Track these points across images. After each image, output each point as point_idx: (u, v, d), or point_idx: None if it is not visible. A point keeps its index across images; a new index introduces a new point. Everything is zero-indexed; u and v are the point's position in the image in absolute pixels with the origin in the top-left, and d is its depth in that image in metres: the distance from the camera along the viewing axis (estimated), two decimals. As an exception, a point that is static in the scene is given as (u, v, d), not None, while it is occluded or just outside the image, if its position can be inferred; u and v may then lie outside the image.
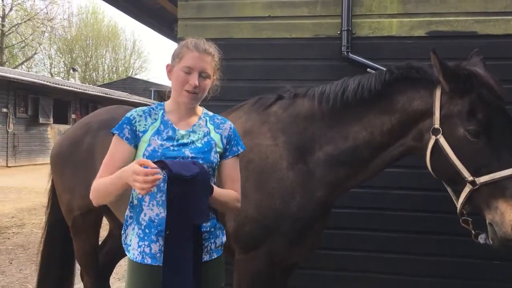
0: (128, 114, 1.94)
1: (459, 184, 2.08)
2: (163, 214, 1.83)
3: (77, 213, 3.14)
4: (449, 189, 2.22)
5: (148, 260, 1.84)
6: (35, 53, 39.42)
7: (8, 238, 6.93)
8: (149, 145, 1.87)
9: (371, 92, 2.24)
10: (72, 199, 3.14)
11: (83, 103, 23.60)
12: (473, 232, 2.13)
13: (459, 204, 2.11)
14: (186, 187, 1.72)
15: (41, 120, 19.80)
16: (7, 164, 17.97)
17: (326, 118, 2.36)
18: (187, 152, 1.88)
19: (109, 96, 24.85)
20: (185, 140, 1.91)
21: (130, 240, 1.91)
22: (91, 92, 23.71)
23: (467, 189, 2.04)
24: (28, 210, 9.15)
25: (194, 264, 1.77)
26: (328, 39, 3.61)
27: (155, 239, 1.84)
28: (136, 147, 1.90)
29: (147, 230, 1.86)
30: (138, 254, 1.86)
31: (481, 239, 2.07)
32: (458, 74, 2.07)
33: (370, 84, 2.25)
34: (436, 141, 2.10)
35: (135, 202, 1.93)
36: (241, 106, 2.71)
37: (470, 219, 2.13)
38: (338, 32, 3.55)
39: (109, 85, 34.53)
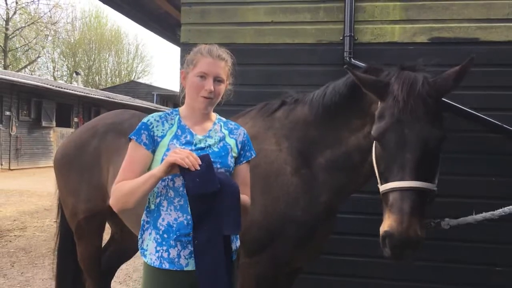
0: (145, 120, 1.95)
1: None
2: (182, 218, 1.86)
3: (81, 217, 3.14)
4: None
5: (166, 265, 1.86)
6: (38, 57, 39.58)
7: (10, 241, 6.95)
8: (167, 149, 1.88)
9: (341, 95, 2.31)
10: (77, 202, 3.15)
11: (86, 107, 23.68)
12: (432, 223, 2.20)
13: None
14: (210, 201, 1.74)
15: (43, 124, 19.87)
16: (9, 167, 18.01)
17: (320, 124, 2.40)
18: None
19: (112, 100, 24.91)
20: (202, 145, 1.93)
21: (147, 245, 1.92)
22: (94, 96, 23.79)
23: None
24: (30, 213, 9.16)
25: (227, 266, 1.81)
26: (330, 45, 3.63)
27: (173, 244, 1.85)
28: (153, 152, 1.92)
29: (165, 235, 1.87)
30: (156, 259, 1.87)
31: (445, 225, 2.10)
32: (375, 85, 2.13)
33: (339, 87, 2.32)
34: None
35: (152, 207, 1.94)
36: (248, 112, 2.73)
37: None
38: (341, 38, 3.57)
39: (112, 89, 34.67)
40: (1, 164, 17.78)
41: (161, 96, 34.84)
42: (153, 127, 1.92)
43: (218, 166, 1.89)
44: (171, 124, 1.96)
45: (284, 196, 2.30)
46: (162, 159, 1.85)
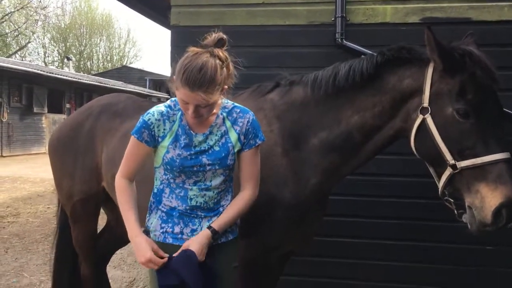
0: (146, 118, 1.94)
1: (441, 166, 2.06)
2: (181, 208, 1.96)
3: (76, 199, 3.13)
4: (431, 169, 2.20)
5: (170, 240, 1.96)
6: (29, 42, 39.16)
7: (3, 228, 6.94)
8: (167, 152, 1.93)
9: (363, 75, 2.23)
10: (72, 184, 3.13)
11: (78, 93, 23.48)
12: (456, 212, 2.12)
13: (440, 186, 2.10)
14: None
15: (35, 110, 19.70)
16: (1, 153, 17.90)
17: (320, 105, 2.35)
18: (204, 159, 1.93)
19: (104, 85, 24.71)
20: (202, 146, 1.94)
21: (151, 223, 2.02)
22: (86, 81, 23.59)
23: (448, 172, 2.02)
24: (23, 199, 9.14)
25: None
26: (322, 26, 3.59)
27: (177, 221, 1.97)
28: (155, 147, 1.97)
29: (169, 214, 1.99)
30: (160, 235, 1.98)
31: (465, 219, 2.07)
32: (452, 53, 2.04)
33: (361, 67, 2.24)
34: (423, 121, 2.07)
35: (155, 191, 2.05)
36: (240, 94, 2.70)
37: (452, 200, 2.12)
38: (332, 19, 3.53)
39: (104, 74, 34.40)
40: (-7, 151, 17.67)
41: (154, 81, 34.62)
42: (154, 127, 1.93)
43: (217, 167, 1.94)
44: (173, 121, 1.95)
45: (273, 178, 2.28)
46: (163, 159, 1.94)
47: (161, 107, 1.98)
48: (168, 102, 2.02)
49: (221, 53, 1.87)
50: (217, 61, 1.83)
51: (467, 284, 3.50)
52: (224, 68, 1.86)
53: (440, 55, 2.03)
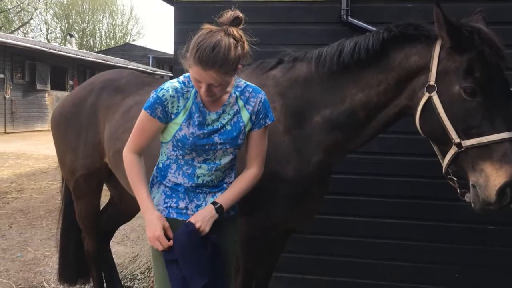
0: (160, 94, 1.90)
1: (446, 144, 2.05)
2: (187, 184, 1.96)
3: (80, 174, 3.14)
4: (435, 148, 2.19)
5: (174, 215, 1.96)
6: (31, 18, 38.88)
7: (8, 203, 7.00)
8: (180, 129, 1.91)
9: (368, 52, 2.20)
10: (75, 159, 3.15)
11: (81, 70, 23.41)
12: (459, 191, 2.11)
13: (444, 164, 2.09)
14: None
15: (38, 87, 19.68)
16: (5, 130, 17.96)
17: (324, 81, 2.33)
18: (216, 138, 1.93)
19: (107, 62, 24.59)
20: (215, 125, 1.94)
21: (154, 198, 2.00)
22: (89, 59, 23.46)
23: (453, 150, 2.01)
24: (27, 175, 9.20)
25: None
26: (327, 3, 3.54)
27: (182, 197, 1.97)
28: (167, 123, 1.94)
29: (174, 189, 1.99)
30: (163, 209, 1.97)
31: (467, 198, 2.06)
32: (461, 30, 2.01)
33: (367, 44, 2.20)
34: (429, 99, 2.05)
35: (160, 165, 2.04)
36: (243, 70, 2.67)
37: (456, 178, 2.11)
38: (338, -5, 3.48)
39: (107, 52, 34.18)
40: (-3, 128, 17.72)
41: (157, 59, 34.38)
42: (168, 103, 1.90)
43: (228, 146, 1.95)
44: (187, 98, 1.93)
45: (275, 155, 2.27)
46: (174, 136, 1.92)
47: (175, 83, 1.94)
48: (182, 78, 1.98)
49: (236, 32, 1.84)
50: (231, 40, 1.80)
51: (466, 263, 3.53)
52: (239, 47, 1.82)
53: (448, 32, 2.00)
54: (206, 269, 1.87)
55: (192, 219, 1.89)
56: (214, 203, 1.94)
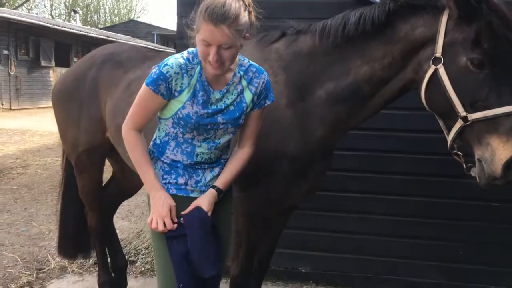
0: (163, 70, 1.83)
1: (451, 118, 2.00)
2: (185, 162, 1.95)
3: (82, 149, 3.12)
4: (440, 122, 2.14)
5: (173, 191, 1.94)
6: (35, -6, 38.46)
7: (13, 179, 7.05)
8: (183, 107, 1.86)
9: (374, 23, 2.13)
10: (77, 134, 3.12)
11: (85, 46, 23.28)
12: (464, 166, 2.06)
13: (449, 138, 2.04)
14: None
15: (43, 63, 19.64)
16: (10, 106, 18.00)
17: (328, 55, 2.27)
18: (219, 119, 1.91)
19: (111, 39, 24.40)
20: (219, 105, 1.91)
21: None
22: (93, 35, 23.37)
23: (458, 124, 1.96)
24: (32, 151, 9.24)
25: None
26: (334, -25, 3.45)
27: (181, 173, 1.95)
28: (169, 100, 1.89)
29: (173, 165, 1.96)
30: (162, 185, 1.94)
31: (473, 172, 2.01)
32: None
33: (373, 15, 2.13)
34: (435, 71, 1.99)
35: (158, 141, 2.00)
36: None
37: (461, 153, 2.06)
38: (345, -33, 3.38)
39: (111, 28, 33.94)
40: (2, 104, 17.75)
41: (161, 36, 34.13)
42: (172, 79, 1.83)
43: (229, 126, 1.94)
44: (191, 75, 1.87)
45: (277, 130, 2.24)
46: (176, 113, 1.87)
47: (179, 58, 1.87)
48: (186, 53, 1.91)
49: None
50: (241, 2, 1.77)
51: (470, 240, 3.52)
52: (247, 12, 1.79)
53: (456, 2, 1.94)
54: (217, 261, 1.90)
55: (203, 206, 1.90)
56: (213, 186, 1.96)
